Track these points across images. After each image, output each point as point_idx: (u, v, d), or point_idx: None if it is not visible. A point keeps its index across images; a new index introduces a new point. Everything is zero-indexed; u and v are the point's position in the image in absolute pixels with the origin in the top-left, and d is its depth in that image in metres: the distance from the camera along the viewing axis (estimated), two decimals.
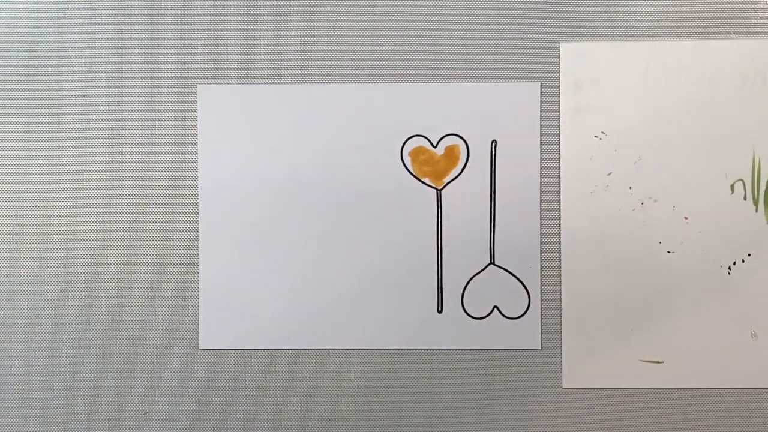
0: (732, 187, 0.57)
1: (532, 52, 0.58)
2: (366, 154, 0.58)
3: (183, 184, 0.59)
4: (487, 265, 0.58)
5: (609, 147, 0.58)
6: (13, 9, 0.59)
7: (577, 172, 0.58)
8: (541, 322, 0.58)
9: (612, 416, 0.59)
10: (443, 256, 0.58)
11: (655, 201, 0.58)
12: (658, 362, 0.58)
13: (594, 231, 0.58)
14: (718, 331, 0.58)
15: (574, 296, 0.58)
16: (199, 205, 0.59)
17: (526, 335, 0.58)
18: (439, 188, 0.58)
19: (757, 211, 0.57)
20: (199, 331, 0.59)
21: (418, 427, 0.59)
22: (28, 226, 0.59)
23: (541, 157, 0.58)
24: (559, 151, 0.58)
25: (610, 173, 0.58)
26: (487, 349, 0.59)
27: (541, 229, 0.58)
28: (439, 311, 0.58)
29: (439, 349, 0.59)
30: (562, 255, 0.58)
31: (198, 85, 0.59)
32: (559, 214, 0.58)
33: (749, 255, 0.57)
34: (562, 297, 0.58)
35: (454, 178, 0.58)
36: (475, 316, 0.58)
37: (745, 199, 0.57)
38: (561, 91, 0.58)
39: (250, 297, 0.59)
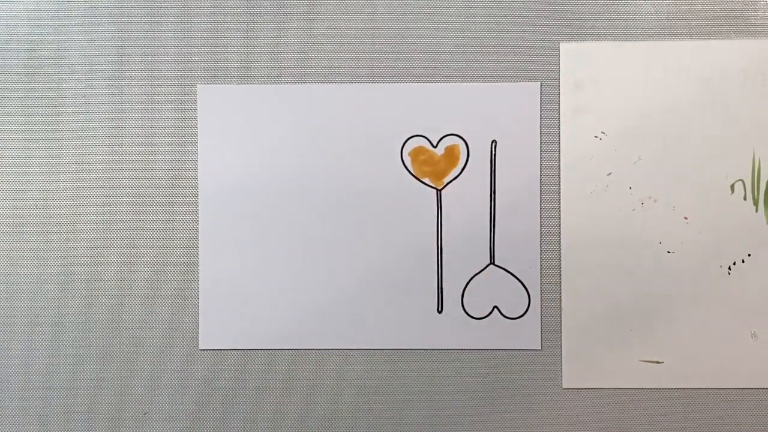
0: (732, 187, 0.57)
1: (532, 52, 0.58)
2: (366, 154, 0.58)
3: (183, 184, 0.59)
4: (487, 265, 0.58)
5: (609, 147, 0.58)
6: (13, 9, 0.59)
7: (577, 172, 0.58)
8: (541, 322, 0.58)
9: (612, 416, 0.59)
10: (443, 256, 0.58)
11: (655, 201, 0.58)
12: (658, 362, 0.58)
13: (594, 231, 0.58)
14: (718, 331, 0.58)
15: (574, 296, 0.58)
16: (199, 205, 0.59)
17: (526, 335, 0.58)
18: (439, 188, 0.58)
19: (757, 211, 0.57)
20: (199, 331, 0.59)
21: (418, 427, 0.59)
22: (27, 225, 0.59)
23: (541, 157, 0.58)
24: (559, 151, 0.58)
25: (610, 173, 0.58)
26: (487, 349, 0.59)
27: (541, 229, 0.58)
28: (439, 311, 0.58)
29: (439, 349, 0.59)
30: (562, 255, 0.58)
31: (198, 85, 0.59)
32: (559, 214, 0.58)
33: (749, 255, 0.57)
34: (562, 297, 0.58)
35: (454, 178, 0.58)
36: (475, 316, 0.58)
37: (745, 199, 0.57)
38: (561, 91, 0.58)
39: (250, 297, 0.59)
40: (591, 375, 0.58)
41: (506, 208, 0.58)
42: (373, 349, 0.59)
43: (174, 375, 0.59)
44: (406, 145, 0.58)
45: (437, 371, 0.59)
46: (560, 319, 0.58)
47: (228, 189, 0.59)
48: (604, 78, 0.58)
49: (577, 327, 0.58)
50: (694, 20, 0.58)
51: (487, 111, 0.58)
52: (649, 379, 0.58)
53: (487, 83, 0.58)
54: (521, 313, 0.58)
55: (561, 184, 0.58)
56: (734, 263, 0.57)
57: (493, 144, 0.58)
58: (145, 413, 0.60)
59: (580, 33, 0.58)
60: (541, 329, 0.58)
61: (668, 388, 0.58)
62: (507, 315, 0.58)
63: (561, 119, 0.58)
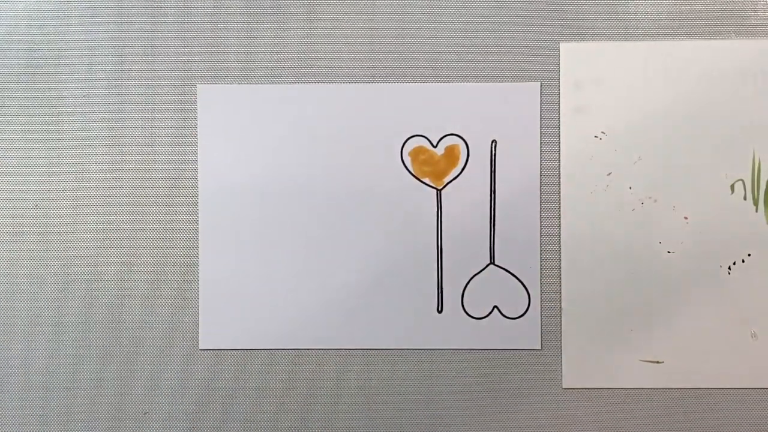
0: (732, 187, 0.57)
1: (532, 52, 0.58)
2: (366, 154, 0.58)
3: (183, 184, 0.59)
4: (487, 265, 0.58)
5: (609, 147, 0.58)
6: (13, 9, 0.59)
7: (577, 172, 0.58)
8: (541, 322, 0.58)
9: (612, 416, 0.59)
10: (443, 256, 0.58)
11: (655, 201, 0.58)
12: (658, 362, 0.58)
13: (594, 231, 0.58)
14: (718, 331, 0.58)
15: (574, 296, 0.58)
16: (199, 205, 0.59)
17: (526, 335, 0.58)
18: (439, 188, 0.58)
19: (757, 211, 0.57)
20: (199, 331, 0.59)
21: (418, 427, 0.59)
22: (28, 226, 0.59)
23: (541, 157, 0.58)
24: (559, 151, 0.58)
25: (610, 173, 0.58)
26: (487, 349, 0.59)
27: (541, 229, 0.58)
28: (439, 311, 0.58)
29: (439, 349, 0.59)
30: (562, 255, 0.58)
31: (198, 85, 0.59)
32: (559, 214, 0.58)
33: (749, 255, 0.57)
34: (562, 297, 0.58)
35: (454, 178, 0.58)
36: (475, 316, 0.58)
37: (745, 199, 0.57)
38: (561, 91, 0.58)
39: (250, 297, 0.59)
40: (591, 375, 0.58)
41: (506, 208, 0.58)
42: (373, 349, 0.59)
43: (174, 375, 0.59)
44: (406, 145, 0.58)
45: (437, 371, 0.59)
46: (560, 319, 0.58)
47: (228, 189, 0.59)
48: (604, 78, 0.58)
49: (577, 327, 0.58)
50: (694, 20, 0.58)
51: (487, 111, 0.58)
52: (649, 379, 0.58)
53: (487, 83, 0.58)
54: (521, 313, 0.58)
55: (561, 184, 0.58)
56: (734, 263, 0.57)
57: (493, 144, 0.58)
58: (145, 413, 0.60)
59: (580, 33, 0.58)
60: (541, 329, 0.58)
61: (668, 388, 0.58)
62: (507, 315, 0.58)
63: (561, 119, 0.58)
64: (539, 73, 0.58)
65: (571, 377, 0.58)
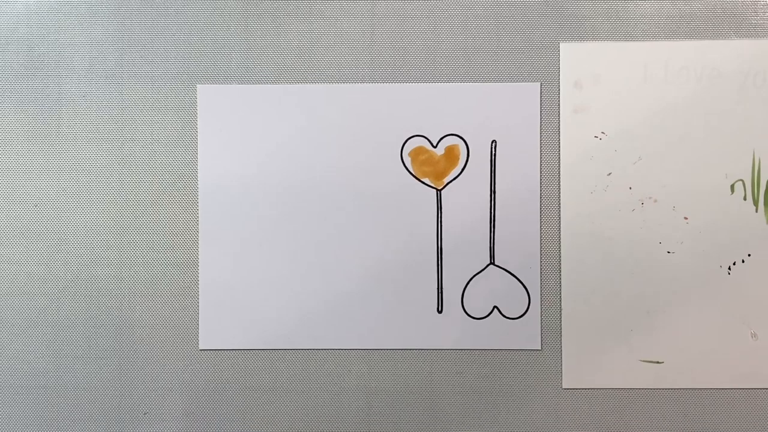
0: (732, 187, 0.57)
1: (532, 52, 0.58)
2: (366, 154, 0.58)
3: (183, 184, 0.59)
4: (487, 265, 0.58)
5: (609, 147, 0.58)
6: (13, 9, 0.59)
7: (577, 172, 0.58)
8: (541, 322, 0.58)
9: (612, 416, 0.59)
10: (443, 256, 0.58)
11: (655, 201, 0.58)
12: (658, 362, 0.58)
13: (594, 231, 0.58)
14: (718, 331, 0.58)
15: (574, 296, 0.58)
16: (199, 205, 0.59)
17: (526, 335, 0.58)
18: (439, 188, 0.58)
19: (757, 211, 0.57)
20: (199, 331, 0.59)
21: (417, 427, 0.59)
22: (28, 225, 0.59)
23: (541, 157, 0.58)
24: (559, 151, 0.58)
25: (610, 173, 0.58)
26: (487, 349, 0.59)
27: (541, 229, 0.58)
28: (439, 311, 0.58)
29: (439, 349, 0.59)
30: (562, 255, 0.58)
31: (198, 85, 0.59)
32: (559, 214, 0.58)
33: (749, 255, 0.57)
34: (562, 297, 0.58)
35: (454, 178, 0.58)
36: (475, 316, 0.58)
37: (745, 199, 0.57)
38: (561, 91, 0.58)
39: (250, 297, 0.59)
40: (591, 375, 0.58)
41: (506, 208, 0.58)
42: (373, 349, 0.59)
43: (174, 375, 0.59)
44: (406, 145, 0.58)
45: (437, 371, 0.59)
46: (560, 319, 0.58)
47: (228, 189, 0.59)
48: (604, 78, 0.58)
49: (577, 327, 0.58)
50: (694, 20, 0.58)
51: (487, 111, 0.58)
52: (649, 379, 0.58)
53: (487, 83, 0.58)
54: (521, 313, 0.58)
55: (561, 184, 0.58)
56: (734, 263, 0.57)
57: (493, 144, 0.58)
58: (145, 413, 0.60)
59: (580, 33, 0.58)
60: (541, 329, 0.58)
61: (668, 388, 0.58)
62: (507, 315, 0.58)
63: (561, 119, 0.58)
64: (539, 73, 0.58)
65: (571, 377, 0.58)
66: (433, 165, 0.58)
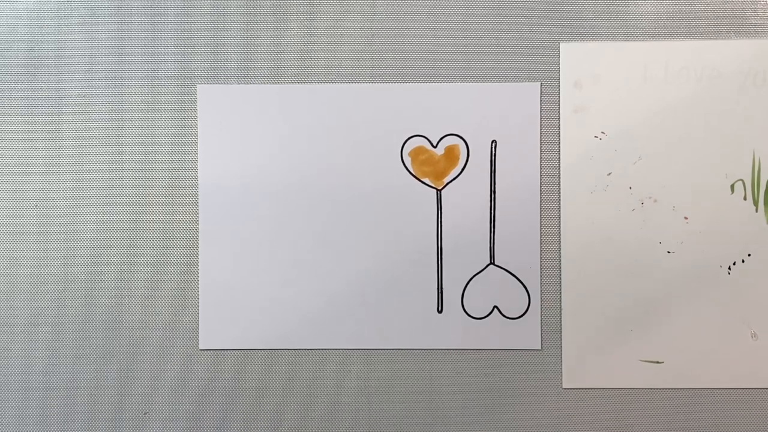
0: (732, 187, 0.57)
1: (532, 52, 0.58)
2: (366, 154, 0.58)
3: (183, 184, 0.59)
4: (487, 265, 0.58)
5: (609, 147, 0.58)
6: (13, 9, 0.59)
7: (577, 172, 0.58)
8: (541, 322, 0.58)
9: (612, 416, 0.59)
10: (443, 256, 0.58)
11: (655, 201, 0.58)
12: (658, 362, 0.58)
13: (594, 231, 0.58)
14: (718, 331, 0.58)
15: (574, 296, 0.58)
16: (199, 205, 0.59)
17: (526, 335, 0.58)
18: (439, 188, 0.58)
19: (757, 211, 0.57)
20: (199, 331, 0.59)
21: (418, 427, 0.59)
22: (28, 225, 0.59)
23: (541, 157, 0.58)
24: (559, 151, 0.58)
25: (610, 173, 0.58)
26: (487, 349, 0.59)
27: (541, 229, 0.58)
28: (439, 311, 0.58)
29: (439, 349, 0.59)
30: (562, 255, 0.58)
31: (198, 85, 0.59)
32: (559, 214, 0.58)
33: (749, 255, 0.57)
34: (562, 297, 0.58)
35: (454, 178, 0.58)
36: (475, 316, 0.58)
37: (745, 199, 0.57)
38: (561, 91, 0.58)
39: (250, 297, 0.59)
40: (591, 375, 0.58)
41: (506, 208, 0.58)
42: (373, 349, 0.59)
43: (174, 375, 0.59)
44: (406, 145, 0.58)
45: (437, 371, 0.59)
46: (560, 319, 0.58)
47: (228, 189, 0.59)
48: (604, 78, 0.58)
49: (577, 327, 0.58)
50: (694, 20, 0.58)
51: (487, 111, 0.58)
52: (649, 379, 0.58)
53: (487, 83, 0.58)
54: (521, 313, 0.58)
55: (561, 184, 0.58)
56: (734, 263, 0.57)
57: (493, 144, 0.58)
58: (145, 413, 0.60)
59: (580, 33, 0.58)
60: (541, 329, 0.58)
61: (668, 388, 0.58)
62: (507, 315, 0.58)
63: (561, 119, 0.58)
64: (539, 73, 0.58)
65: (571, 377, 0.58)
66: (433, 165, 0.58)
